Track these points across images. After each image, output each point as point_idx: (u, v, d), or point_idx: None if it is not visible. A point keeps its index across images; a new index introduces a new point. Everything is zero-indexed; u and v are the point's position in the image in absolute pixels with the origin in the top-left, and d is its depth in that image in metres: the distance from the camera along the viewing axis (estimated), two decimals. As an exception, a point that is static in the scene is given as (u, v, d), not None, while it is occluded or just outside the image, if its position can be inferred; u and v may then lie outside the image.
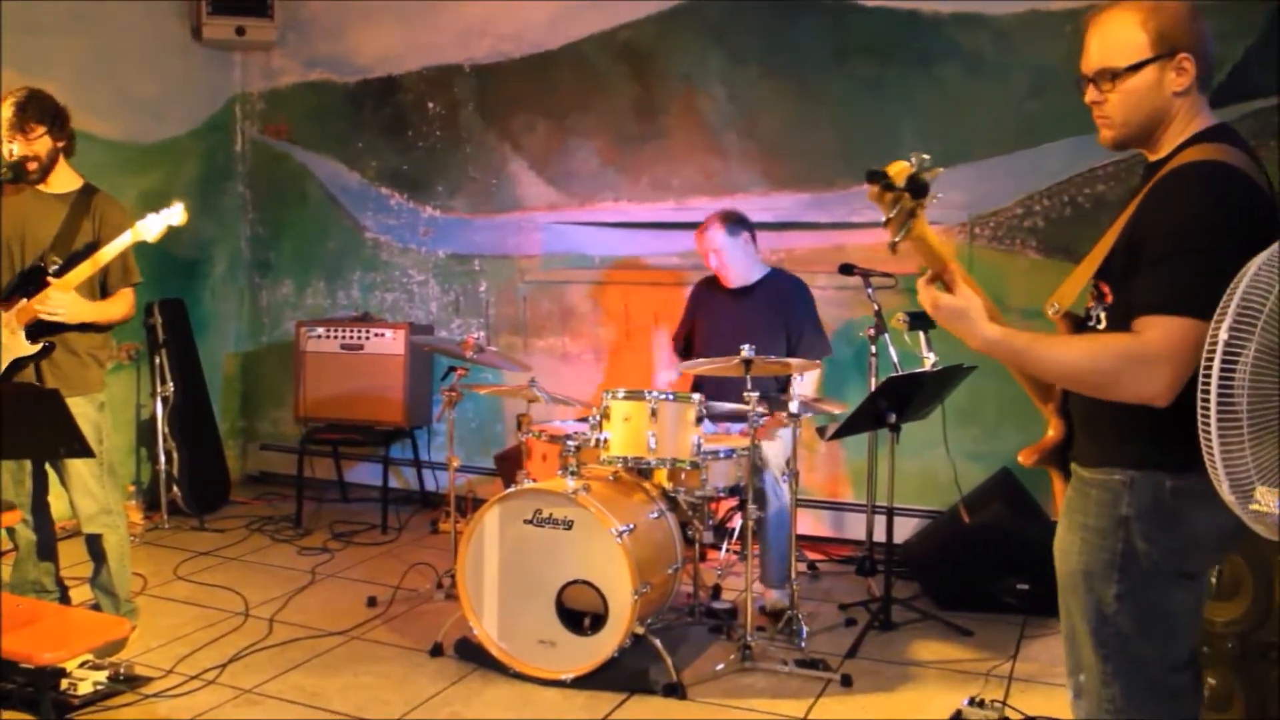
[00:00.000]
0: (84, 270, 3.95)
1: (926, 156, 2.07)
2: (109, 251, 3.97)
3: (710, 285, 5.10)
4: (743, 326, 4.58)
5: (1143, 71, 2.12)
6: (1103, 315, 2.18)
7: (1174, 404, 1.97)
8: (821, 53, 5.59)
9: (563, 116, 6.24)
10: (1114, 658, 2.18)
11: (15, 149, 3.94)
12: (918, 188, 2.06)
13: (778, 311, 4.91)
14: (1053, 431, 2.34)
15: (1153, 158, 2.21)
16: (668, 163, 6.01)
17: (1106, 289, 2.16)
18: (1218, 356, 1.78)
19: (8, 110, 3.91)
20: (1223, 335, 1.78)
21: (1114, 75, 2.14)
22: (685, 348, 5.23)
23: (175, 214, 4.05)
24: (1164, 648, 2.18)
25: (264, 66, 7.06)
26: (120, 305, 4.15)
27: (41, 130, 3.96)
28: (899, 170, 2.06)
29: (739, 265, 4.95)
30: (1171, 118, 2.16)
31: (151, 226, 4.02)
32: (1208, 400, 1.80)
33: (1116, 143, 2.24)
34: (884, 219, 2.10)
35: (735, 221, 4.93)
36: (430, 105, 6.59)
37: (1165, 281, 1.99)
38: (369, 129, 6.80)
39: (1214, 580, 3.18)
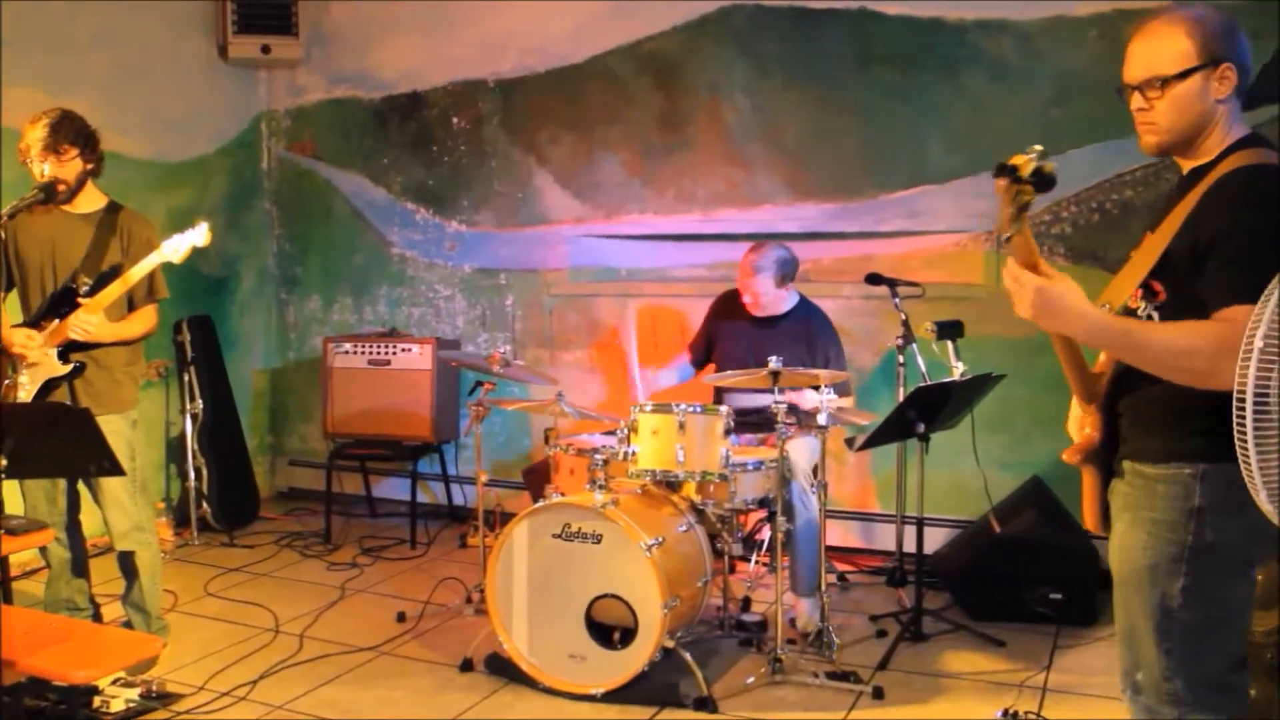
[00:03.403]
0: (114, 291, 3.98)
1: (1041, 148, 2.09)
2: (137, 272, 4.00)
3: (733, 304, 5.05)
4: (763, 356, 4.47)
5: (1190, 79, 2.21)
6: (1154, 313, 2.23)
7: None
8: (845, 61, 5.58)
9: (588, 129, 6.25)
10: (1177, 651, 2.24)
11: (47, 169, 3.94)
12: (1044, 180, 2.09)
13: (802, 344, 4.87)
14: (1092, 430, 2.38)
15: (1194, 163, 2.29)
16: (693, 174, 6.01)
17: (1159, 287, 2.22)
18: (1253, 364, 1.76)
19: (41, 131, 3.92)
20: (1258, 343, 1.76)
21: (1163, 82, 2.22)
22: (704, 360, 5.21)
23: (200, 235, 4.07)
24: (1225, 641, 2.25)
25: (289, 84, 7.10)
26: (142, 322, 4.17)
27: (74, 152, 3.98)
28: (1023, 163, 2.10)
29: (773, 306, 4.94)
30: (1214, 124, 2.25)
31: (177, 247, 4.04)
32: (1243, 409, 1.77)
33: (1160, 148, 2.30)
34: (1004, 212, 2.13)
35: (787, 273, 4.86)
36: (455, 120, 6.61)
37: (1250, 274, 2.02)
38: (394, 144, 6.82)
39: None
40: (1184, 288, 2.16)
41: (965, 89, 5.36)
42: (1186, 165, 2.32)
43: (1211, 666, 2.25)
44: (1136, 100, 2.27)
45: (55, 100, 4.15)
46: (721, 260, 5.80)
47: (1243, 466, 1.81)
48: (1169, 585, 2.21)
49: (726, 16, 5.81)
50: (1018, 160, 2.07)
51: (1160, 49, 2.23)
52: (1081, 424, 2.43)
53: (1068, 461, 2.45)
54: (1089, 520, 2.47)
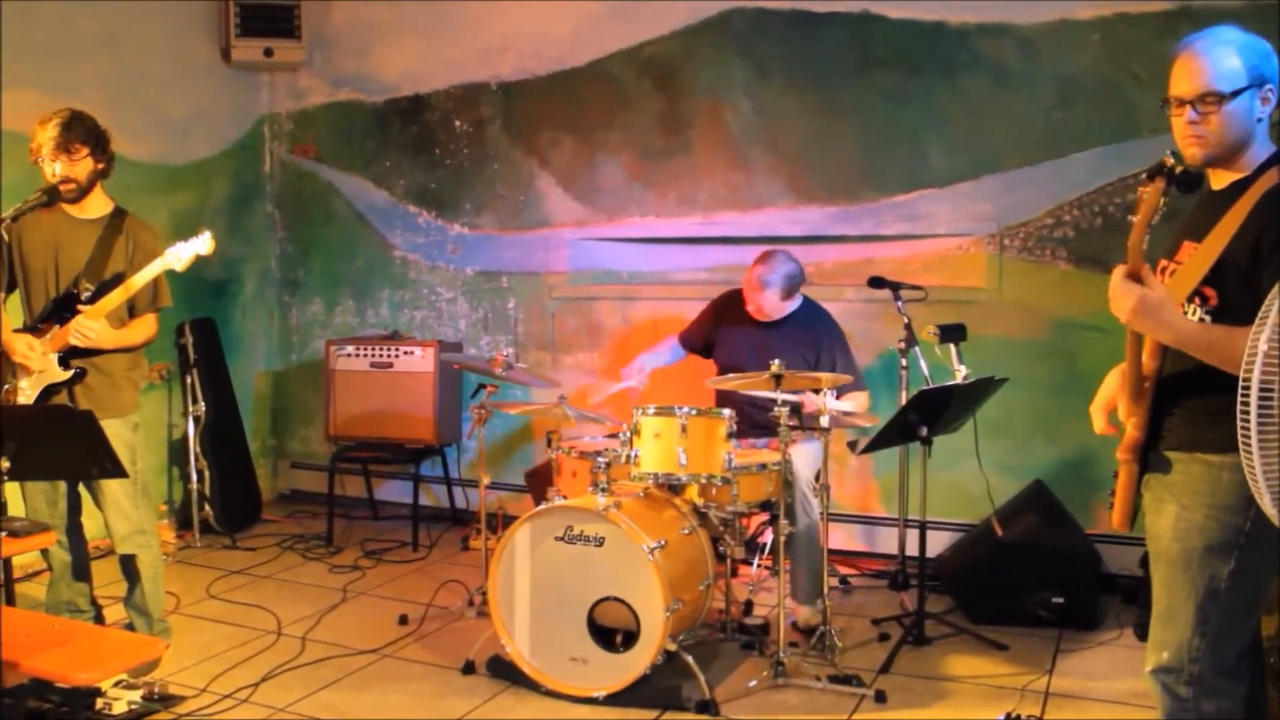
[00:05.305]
0: (116, 298, 3.98)
1: (1176, 151, 2.28)
2: (139, 279, 4.00)
3: (735, 307, 5.03)
4: (767, 359, 4.43)
5: (1241, 96, 2.40)
6: (1206, 317, 2.41)
7: None
8: (846, 65, 5.58)
9: (589, 132, 6.25)
10: (1210, 633, 2.42)
11: (58, 169, 3.94)
12: (1192, 180, 2.29)
13: (805, 344, 4.88)
14: (1135, 431, 2.54)
15: (1232, 176, 2.48)
16: (694, 177, 6.01)
17: (1211, 293, 2.40)
18: (1257, 368, 1.76)
19: (52, 130, 3.91)
20: (1262, 347, 1.76)
21: (1220, 98, 2.39)
22: (697, 349, 5.21)
23: (203, 243, 4.08)
24: (1246, 628, 2.48)
25: (291, 87, 7.11)
26: (142, 330, 4.17)
27: (85, 152, 3.97)
28: (1172, 164, 2.29)
29: (776, 314, 4.92)
30: (1254, 139, 2.46)
31: (180, 254, 4.04)
32: (1247, 411, 1.78)
33: (1206, 159, 2.46)
34: (1142, 217, 2.35)
35: (793, 286, 4.85)
36: (457, 123, 6.61)
37: None
38: (396, 147, 6.83)
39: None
40: (1237, 293, 2.34)
41: (966, 93, 5.36)
42: (1224, 178, 2.49)
43: (1230, 651, 2.44)
44: (1188, 114, 2.43)
45: (56, 102, 4.13)
46: (722, 263, 5.80)
47: (1246, 469, 1.82)
48: (1220, 568, 2.39)
49: (727, 19, 5.82)
50: (1168, 161, 2.26)
51: (1216, 67, 2.40)
52: (1127, 419, 2.57)
53: (1120, 459, 2.58)
54: (1119, 515, 2.59)
